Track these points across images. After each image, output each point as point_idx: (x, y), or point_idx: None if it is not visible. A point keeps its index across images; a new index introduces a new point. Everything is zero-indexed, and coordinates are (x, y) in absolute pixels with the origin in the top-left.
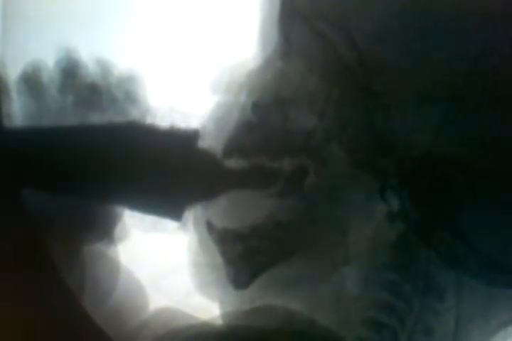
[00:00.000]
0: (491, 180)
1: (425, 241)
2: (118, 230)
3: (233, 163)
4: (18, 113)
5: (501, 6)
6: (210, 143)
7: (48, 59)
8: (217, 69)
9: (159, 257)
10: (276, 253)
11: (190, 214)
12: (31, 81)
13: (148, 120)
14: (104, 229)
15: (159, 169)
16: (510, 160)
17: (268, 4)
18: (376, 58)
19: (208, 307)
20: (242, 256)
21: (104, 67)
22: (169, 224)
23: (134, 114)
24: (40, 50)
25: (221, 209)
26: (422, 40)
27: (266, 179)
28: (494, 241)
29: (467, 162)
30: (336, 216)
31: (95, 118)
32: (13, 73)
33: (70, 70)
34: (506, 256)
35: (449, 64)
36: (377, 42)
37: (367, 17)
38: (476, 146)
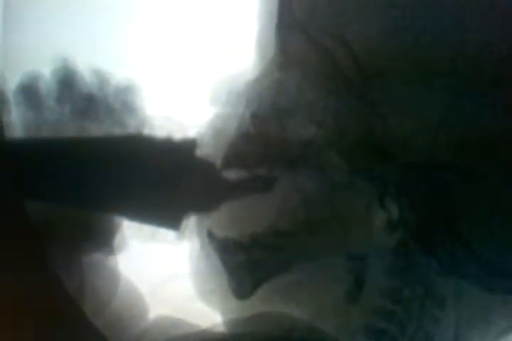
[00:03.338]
0: (490, 184)
1: (425, 247)
2: (117, 240)
3: (232, 174)
4: (17, 123)
5: (501, 8)
6: (209, 152)
7: (46, 69)
8: (215, 80)
9: (158, 266)
10: (277, 263)
11: (191, 223)
12: (29, 91)
13: (146, 130)
14: (104, 239)
15: (157, 179)
16: (509, 164)
17: (266, 14)
18: (374, 67)
19: (208, 315)
20: (244, 266)
21: (102, 78)
22: (168, 234)
23: (131, 124)
24: (37, 60)
25: (222, 218)
26: (420, 48)
27: (264, 189)
28: (494, 247)
29: (466, 167)
30: (335, 224)
31: (93, 128)
32: (12, 84)
33: (67, 80)
34: (506, 262)
35: (448, 69)
36: (375, 51)
37: (364, 26)
38: (475, 151)
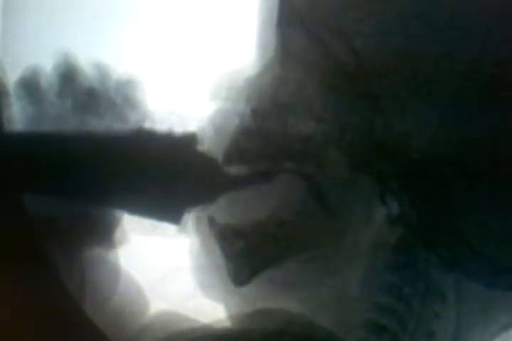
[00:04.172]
0: (491, 181)
1: (425, 243)
2: (117, 234)
3: (233, 169)
4: (18, 117)
5: (501, 6)
6: (209, 147)
7: (47, 63)
8: (216, 76)
9: (159, 261)
10: (277, 252)
11: (192, 217)
12: (30, 85)
13: (147, 124)
14: (104, 233)
15: (158, 173)
16: (510, 161)
17: (266, 10)
18: (375, 63)
19: (209, 311)
20: (243, 252)
21: (103, 72)
22: (168, 228)
23: (132, 118)
24: (38, 54)
25: (222, 208)
26: (420, 44)
27: (264, 184)
28: (494, 243)
29: (467, 163)
30: (336, 219)
31: (94, 122)
32: (13, 78)
33: (68, 75)
34: (506, 258)
35: (449, 66)
36: (375, 47)
37: (365, 22)
38: (476, 148)
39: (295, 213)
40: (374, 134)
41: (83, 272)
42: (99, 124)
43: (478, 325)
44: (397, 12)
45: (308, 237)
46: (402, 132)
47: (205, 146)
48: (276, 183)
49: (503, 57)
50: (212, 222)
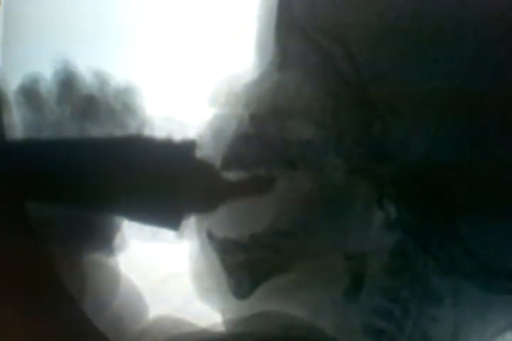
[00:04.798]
0: (489, 185)
1: (423, 247)
2: (117, 240)
3: (231, 174)
4: (17, 124)
5: (499, 13)
6: (208, 153)
7: (46, 71)
8: (215, 81)
9: (158, 266)
10: (276, 263)
11: (191, 223)
12: (29, 93)
13: (146, 131)
14: (104, 239)
15: (157, 179)
16: (508, 165)
17: (265, 16)
18: (372, 68)
19: (208, 315)
20: (243, 265)
21: (102, 79)
22: (168, 234)
23: (131, 125)
24: (38, 62)
25: (221, 219)
26: (418, 50)
27: (264, 189)
28: (492, 247)
29: (465, 168)
30: (334, 224)
31: (93, 129)
32: (13, 85)
33: (67, 82)
34: (503, 262)
35: (446, 71)
36: (373, 52)
37: (363, 28)
38: (474, 152)
39: (293, 224)
40: (372, 138)
41: (84, 277)
42: (99, 131)
43: (476, 327)
44: (395, 17)
45: (307, 246)
46: (399, 136)
47: (203, 152)
48: (274, 193)
49: (501, 58)
50: (211, 236)
